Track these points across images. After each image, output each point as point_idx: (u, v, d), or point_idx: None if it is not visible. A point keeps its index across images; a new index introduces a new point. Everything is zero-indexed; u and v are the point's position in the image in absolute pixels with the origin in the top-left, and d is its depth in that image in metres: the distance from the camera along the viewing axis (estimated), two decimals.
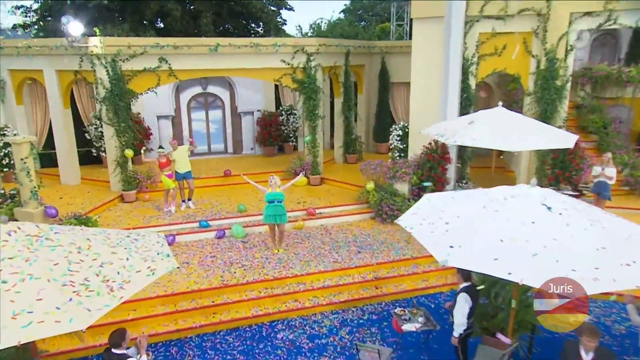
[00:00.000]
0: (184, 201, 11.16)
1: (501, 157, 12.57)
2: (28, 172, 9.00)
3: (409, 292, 8.04)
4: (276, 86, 16.59)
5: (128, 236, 5.13)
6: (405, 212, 10.00)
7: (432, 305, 7.68)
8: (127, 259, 4.50)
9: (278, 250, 9.04)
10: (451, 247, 4.83)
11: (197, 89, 15.60)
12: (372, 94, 16.26)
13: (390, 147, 12.69)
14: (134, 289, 4.21)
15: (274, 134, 15.96)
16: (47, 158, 14.28)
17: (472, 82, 10.93)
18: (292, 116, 16.26)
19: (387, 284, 8.17)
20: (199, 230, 9.81)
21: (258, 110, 16.21)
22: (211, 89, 15.74)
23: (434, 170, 10.71)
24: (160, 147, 11.10)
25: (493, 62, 10.95)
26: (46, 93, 12.71)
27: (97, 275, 4.21)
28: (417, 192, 10.74)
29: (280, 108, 16.47)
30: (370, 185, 11.09)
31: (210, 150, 16.14)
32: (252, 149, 16.44)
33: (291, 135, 16.42)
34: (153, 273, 4.47)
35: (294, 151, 16.44)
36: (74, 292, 3.93)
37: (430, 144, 10.94)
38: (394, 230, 10.01)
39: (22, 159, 8.91)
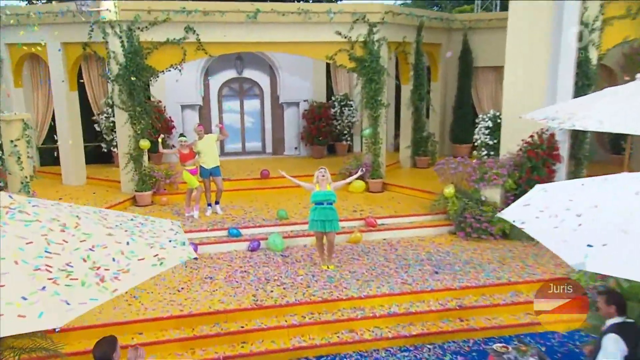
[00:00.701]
0: (209, 205, 11.06)
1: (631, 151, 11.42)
2: (19, 158, 8.81)
3: (507, 327, 7.43)
4: (328, 71, 16.42)
5: (132, 219, 4.70)
6: (496, 223, 9.78)
7: (543, 349, 6.87)
8: (128, 243, 4.05)
9: (328, 267, 8.73)
10: (589, 246, 4.09)
11: (231, 73, 15.62)
12: (450, 82, 15.83)
13: (475, 143, 11.99)
14: (133, 281, 3.78)
15: (324, 130, 15.74)
16: (48, 154, 14.38)
17: (593, 55, 10.12)
18: (347, 108, 15.98)
19: (476, 315, 7.61)
20: (227, 240, 9.78)
21: (305, 101, 16.08)
22: (248, 73, 15.74)
23: (538, 171, 10.00)
24: (182, 135, 10.90)
25: (624, 27, 10.08)
26: (49, 73, 12.75)
27: (85, 260, 3.77)
28: (513, 200, 9.93)
29: (333, 98, 16.26)
30: (449, 191, 10.53)
31: (244, 149, 16.13)
32: (295, 148, 16.29)
33: (345, 132, 16.16)
34: (162, 263, 3.99)
35: (348, 152, 16.08)
36: (50, 279, 3.49)
37: (532, 137, 10.22)
38: (483, 247, 9.68)
39: (12, 141, 8.74)
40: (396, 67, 15.72)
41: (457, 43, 15.35)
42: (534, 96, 10.24)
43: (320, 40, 12.21)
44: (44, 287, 3.38)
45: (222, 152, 15.14)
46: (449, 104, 15.85)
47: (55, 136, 13.21)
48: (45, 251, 3.70)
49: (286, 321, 7.26)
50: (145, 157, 12.06)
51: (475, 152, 11.72)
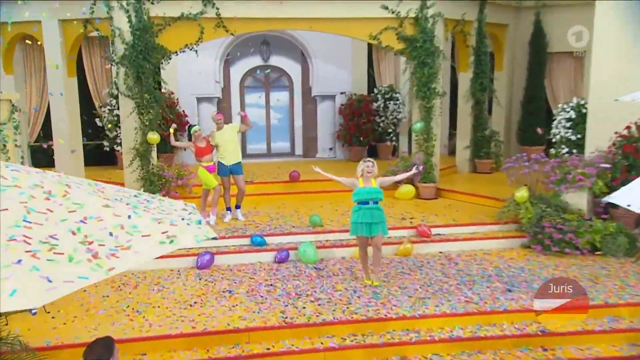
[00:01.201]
0: (229, 209, 10.96)
1: None
2: (4, 146, 8.63)
3: None
4: (370, 58, 16.16)
5: (136, 196, 4.41)
6: (584, 235, 9.29)
7: None
8: (129, 217, 3.77)
9: (372, 283, 8.43)
10: None
11: (255, 61, 15.64)
12: (518, 71, 15.46)
13: (553, 140, 11.50)
14: (135, 260, 3.45)
15: (365, 129, 15.61)
16: (42, 154, 14.29)
17: None
18: (392, 102, 15.81)
19: (564, 344, 7.16)
20: (250, 250, 9.66)
21: (342, 93, 16.00)
22: (275, 60, 15.71)
23: (637, 171, 9.52)
24: (194, 125, 10.70)
25: None
26: (45, 58, 12.75)
27: (74, 233, 3.50)
28: (605, 207, 9.59)
29: (375, 90, 16.12)
30: (522, 195, 10.20)
31: (269, 150, 16.11)
32: (330, 149, 16.20)
33: (390, 130, 15.93)
34: (172, 241, 3.70)
35: (392, 155, 15.83)
36: (28, 251, 3.24)
37: (628, 128, 9.98)
38: (566, 263, 9.31)
39: None
40: (452, 54, 15.45)
41: (527, 25, 14.99)
42: (627, 83, 9.74)
43: (362, 16, 12.02)
44: (19, 261, 3.14)
45: (244, 154, 14.91)
46: (517, 98, 15.49)
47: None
48: (24, 220, 3.47)
49: (322, 343, 6.96)
50: (154, 154, 11.84)
51: (553, 149, 11.23)
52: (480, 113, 14.20)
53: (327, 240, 9.93)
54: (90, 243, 3.40)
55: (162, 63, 11.90)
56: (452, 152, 15.64)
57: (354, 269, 8.99)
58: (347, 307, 7.60)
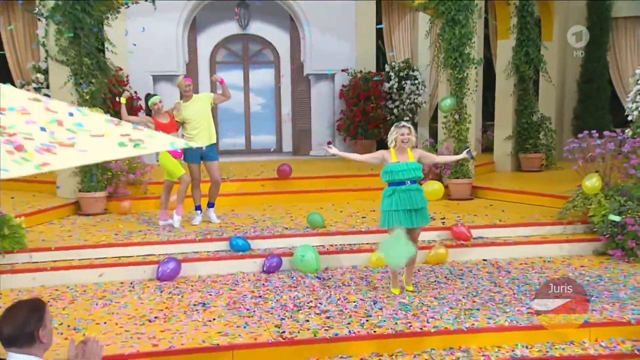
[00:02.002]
0: (198, 208, 10.84)
1: None
2: None
3: None
4: (379, 29, 15.80)
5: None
6: None
7: None
8: (71, 115, 3.59)
9: (405, 287, 8.38)
10: None
11: (230, 28, 15.68)
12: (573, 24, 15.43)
13: (631, 118, 11.30)
14: (79, 159, 3.24)
15: (374, 116, 15.61)
16: None
17: None
18: (409, 81, 15.77)
19: None
20: (228, 256, 9.55)
21: (344, 71, 15.95)
22: (256, 28, 15.77)
23: None
24: (154, 95, 10.58)
25: None
26: None
27: None
28: None
29: (387, 68, 16.20)
30: (592, 183, 10.05)
31: (249, 146, 16.19)
32: (329, 143, 15.57)
33: (407, 118, 15.85)
34: (137, 145, 3.58)
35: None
36: None
37: None
38: None
39: None
40: (485, 21, 15.36)
41: None
42: None
43: None
44: None
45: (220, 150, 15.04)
46: (571, 76, 15.66)
47: None
48: None
49: None
50: None
51: (630, 129, 11.00)
52: (525, 93, 14.27)
53: (331, 245, 9.83)
54: (11, 135, 3.17)
55: (107, 18, 11.78)
56: (486, 148, 15.78)
57: (371, 279, 8.86)
58: (367, 320, 7.35)
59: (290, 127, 15.97)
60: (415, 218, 7.97)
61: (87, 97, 11.32)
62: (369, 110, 15.27)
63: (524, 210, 11.42)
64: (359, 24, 15.78)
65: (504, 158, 14.37)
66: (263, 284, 8.69)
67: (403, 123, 8.16)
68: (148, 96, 10.48)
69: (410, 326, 7.16)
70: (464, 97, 12.47)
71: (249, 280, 8.88)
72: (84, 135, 3.28)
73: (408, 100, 15.67)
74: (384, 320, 7.32)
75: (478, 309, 7.65)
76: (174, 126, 10.28)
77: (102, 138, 3.33)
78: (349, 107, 15.48)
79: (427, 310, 7.65)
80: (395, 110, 15.67)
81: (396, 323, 7.25)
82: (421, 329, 7.10)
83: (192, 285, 8.64)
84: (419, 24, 15.24)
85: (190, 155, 10.39)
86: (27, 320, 3.66)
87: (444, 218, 10.95)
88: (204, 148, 10.38)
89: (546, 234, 10.42)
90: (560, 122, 15.50)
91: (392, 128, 8.15)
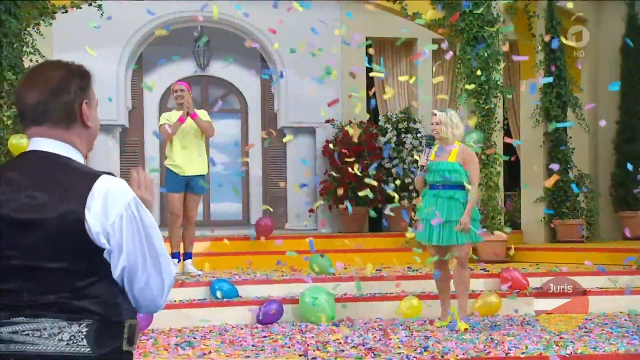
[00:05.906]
0: (176, 255, 10.54)
1: None
2: None
3: None
4: (369, 78, 15.25)
5: None
6: None
7: None
8: None
9: (459, 326, 8.23)
10: None
11: (186, 68, 15.32)
12: (603, 89, 14.66)
13: None
14: None
15: (366, 177, 14.06)
16: None
17: None
18: (409, 135, 15.24)
19: None
20: (210, 303, 9.41)
21: (328, 122, 15.33)
22: (218, 69, 15.31)
23: None
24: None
25: None
26: None
27: None
28: None
29: (381, 118, 15.92)
30: None
31: (208, 216, 15.64)
32: (310, 213, 15.46)
33: (408, 180, 15.02)
34: None
35: (412, 225, 14.62)
36: None
37: None
38: None
39: None
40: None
41: (615, 20, 15.26)
42: None
43: None
44: None
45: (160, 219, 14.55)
46: (604, 133, 15.03)
47: None
48: None
49: None
50: None
51: None
52: (556, 145, 13.64)
53: (344, 295, 9.48)
54: None
55: (37, 24, 11.38)
56: (511, 222, 14.91)
57: (411, 326, 8.56)
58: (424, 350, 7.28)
59: (262, 191, 15.41)
60: (443, 233, 7.95)
61: (9, 122, 10.75)
62: (362, 169, 14.17)
63: (591, 259, 10.48)
64: (345, 61, 15.24)
65: (534, 226, 13.64)
66: (260, 332, 8.47)
67: (435, 111, 8.39)
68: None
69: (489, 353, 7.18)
70: (492, 133, 12.21)
71: (238, 334, 8.46)
72: None
73: (409, 159, 15.08)
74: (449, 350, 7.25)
75: (572, 342, 7.59)
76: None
77: None
78: (334, 165, 14.58)
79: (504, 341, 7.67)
80: (392, 171, 15.12)
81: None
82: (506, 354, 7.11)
83: (165, 336, 8.28)
84: (418, 71, 14.88)
85: (172, 184, 10.24)
86: (64, 83, 2.91)
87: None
88: (189, 177, 10.27)
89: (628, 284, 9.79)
90: (595, 179, 14.96)
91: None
